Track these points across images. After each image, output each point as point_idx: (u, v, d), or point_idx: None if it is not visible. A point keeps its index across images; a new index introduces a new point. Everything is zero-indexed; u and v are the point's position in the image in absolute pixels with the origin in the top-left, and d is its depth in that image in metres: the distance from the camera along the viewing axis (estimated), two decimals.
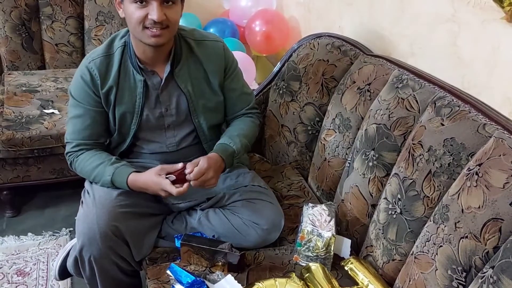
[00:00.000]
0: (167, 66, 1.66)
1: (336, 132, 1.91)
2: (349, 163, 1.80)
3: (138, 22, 1.52)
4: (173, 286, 1.49)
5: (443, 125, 1.44)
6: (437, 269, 1.31)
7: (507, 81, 1.48)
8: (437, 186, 1.40)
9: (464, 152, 1.35)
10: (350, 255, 1.66)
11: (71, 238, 2.44)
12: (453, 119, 1.43)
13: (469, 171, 1.30)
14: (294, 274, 1.51)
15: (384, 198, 1.58)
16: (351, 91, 1.87)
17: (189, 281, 1.46)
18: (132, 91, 1.66)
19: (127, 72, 1.66)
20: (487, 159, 1.26)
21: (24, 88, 2.79)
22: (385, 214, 1.56)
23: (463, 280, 1.23)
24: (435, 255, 1.33)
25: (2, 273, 2.22)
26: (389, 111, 1.65)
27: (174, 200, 1.71)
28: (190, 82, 1.70)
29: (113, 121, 1.70)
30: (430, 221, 1.39)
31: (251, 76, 2.92)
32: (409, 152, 1.51)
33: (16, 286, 2.16)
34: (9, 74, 2.97)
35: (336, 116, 1.92)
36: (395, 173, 1.56)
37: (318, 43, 2.13)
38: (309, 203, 1.70)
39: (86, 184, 1.73)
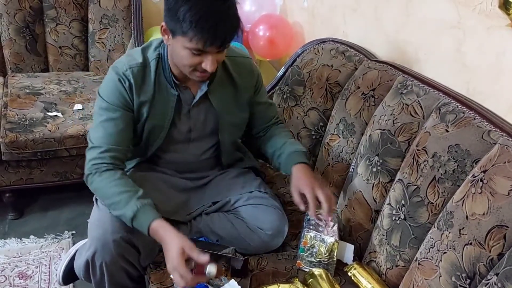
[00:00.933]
0: (204, 85, 1.63)
1: (340, 137, 1.90)
2: (352, 168, 1.80)
3: (189, 66, 1.49)
4: None
5: (447, 131, 1.44)
6: (441, 276, 1.31)
7: None
8: (442, 193, 1.40)
9: (469, 159, 1.35)
10: (353, 261, 1.66)
11: (74, 241, 2.45)
12: (457, 126, 1.42)
13: (473, 177, 1.29)
14: (297, 279, 1.51)
15: (388, 204, 1.58)
16: (355, 96, 1.87)
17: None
18: (165, 105, 1.63)
19: (161, 86, 1.62)
20: (492, 166, 1.26)
21: (27, 91, 2.79)
22: (389, 220, 1.56)
23: (467, 287, 1.23)
24: (439, 262, 1.32)
25: (4, 276, 2.22)
26: (394, 117, 1.65)
27: (183, 214, 1.71)
28: (221, 99, 1.69)
29: (141, 133, 1.66)
30: (434, 227, 1.38)
31: None
32: (413, 158, 1.51)
33: None
34: (13, 76, 2.98)
35: (340, 121, 1.92)
36: (399, 179, 1.55)
37: (323, 48, 2.13)
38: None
39: None
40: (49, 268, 2.28)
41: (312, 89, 2.07)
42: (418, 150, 1.50)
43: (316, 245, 1.58)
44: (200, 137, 1.74)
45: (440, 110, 1.51)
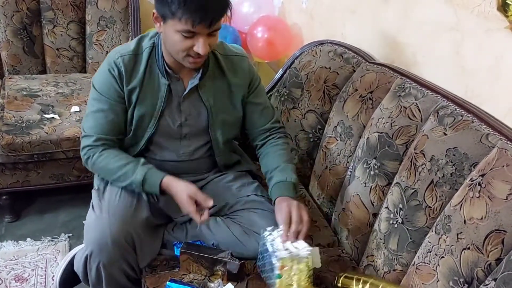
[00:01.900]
0: (195, 78, 1.65)
1: (337, 140, 1.89)
2: (350, 171, 1.79)
3: (181, 51, 1.51)
4: None
5: (445, 134, 1.43)
6: (438, 280, 1.30)
7: (511, 91, 1.47)
8: (439, 196, 1.39)
9: (467, 162, 1.34)
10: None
11: (70, 244, 2.44)
12: (456, 129, 1.41)
13: (471, 181, 1.28)
14: None
15: (386, 208, 1.57)
16: (353, 99, 1.86)
17: None
18: (154, 93, 1.65)
19: (152, 74, 1.64)
20: (490, 169, 1.25)
21: (24, 93, 2.78)
22: (386, 224, 1.55)
23: None
24: (436, 266, 1.32)
25: (0, 278, 2.21)
26: (391, 120, 1.64)
27: (178, 214, 1.70)
28: (213, 96, 1.70)
29: (131, 121, 1.68)
30: (432, 231, 1.38)
31: None
32: (411, 162, 1.50)
33: None
34: (10, 78, 2.96)
35: (337, 124, 1.91)
36: (396, 182, 1.54)
37: (321, 50, 2.13)
38: (266, 228, 1.54)
39: (94, 192, 1.72)
40: (45, 271, 2.27)
41: (310, 92, 2.07)
42: (416, 153, 1.49)
43: (294, 268, 1.43)
44: (192, 134, 1.73)
45: (438, 113, 1.50)
